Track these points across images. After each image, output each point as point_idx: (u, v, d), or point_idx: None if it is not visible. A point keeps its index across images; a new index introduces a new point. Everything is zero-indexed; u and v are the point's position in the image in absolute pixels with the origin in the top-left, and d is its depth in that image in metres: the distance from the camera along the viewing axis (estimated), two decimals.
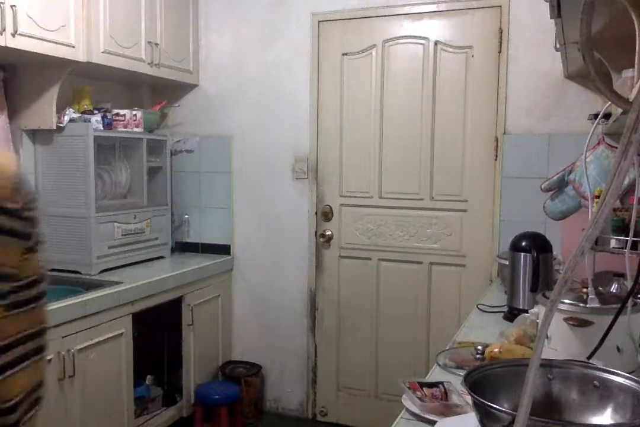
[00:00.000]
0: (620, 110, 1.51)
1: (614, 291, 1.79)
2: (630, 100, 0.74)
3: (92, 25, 2.63)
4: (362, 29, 3.07)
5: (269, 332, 3.39)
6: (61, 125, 2.73)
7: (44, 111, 2.69)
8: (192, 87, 3.42)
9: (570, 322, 1.34)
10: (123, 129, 2.99)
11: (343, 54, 3.11)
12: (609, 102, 1.63)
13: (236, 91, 3.35)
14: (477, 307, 2.21)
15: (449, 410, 1.25)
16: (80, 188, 2.74)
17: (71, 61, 2.59)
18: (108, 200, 2.94)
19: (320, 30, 3.14)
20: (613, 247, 1.62)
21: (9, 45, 2.26)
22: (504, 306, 2.12)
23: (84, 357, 2.34)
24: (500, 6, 2.81)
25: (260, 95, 3.30)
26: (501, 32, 2.81)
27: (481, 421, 0.92)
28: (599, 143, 2.10)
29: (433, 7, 2.93)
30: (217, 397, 2.99)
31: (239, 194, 3.39)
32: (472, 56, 2.88)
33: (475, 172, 2.92)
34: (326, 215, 3.23)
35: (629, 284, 1.28)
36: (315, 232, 3.25)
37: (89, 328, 2.36)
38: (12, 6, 2.25)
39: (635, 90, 1.13)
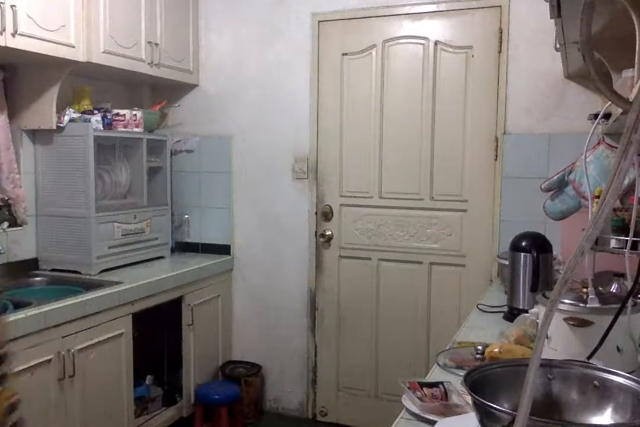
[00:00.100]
0: (620, 110, 1.51)
1: (614, 291, 1.79)
2: (630, 100, 0.74)
3: (92, 25, 2.63)
4: (362, 29, 3.07)
5: (269, 332, 3.39)
6: (61, 125, 2.73)
7: (44, 111, 2.69)
8: (192, 87, 3.42)
9: (570, 322, 1.34)
10: (123, 129, 2.98)
11: (343, 54, 3.11)
12: (609, 102, 1.63)
13: (236, 91, 3.35)
14: (477, 307, 2.21)
15: (449, 410, 1.25)
16: (80, 188, 2.74)
17: (71, 61, 2.59)
18: (108, 200, 2.94)
19: (320, 30, 3.14)
20: (613, 247, 1.62)
21: (9, 45, 2.26)
22: (504, 306, 2.12)
23: (84, 357, 2.34)
24: (500, 6, 2.81)
25: (260, 95, 3.30)
26: (501, 32, 2.81)
27: (481, 421, 0.92)
28: (599, 143, 2.10)
29: (433, 7, 2.93)
30: (217, 397, 2.99)
31: (239, 194, 3.39)
32: (472, 56, 2.88)
33: (475, 172, 2.92)
34: (326, 215, 3.23)
35: (629, 284, 1.28)
36: (315, 232, 3.25)
37: (89, 328, 2.37)
38: (12, 6, 2.25)
39: (635, 90, 1.13)
